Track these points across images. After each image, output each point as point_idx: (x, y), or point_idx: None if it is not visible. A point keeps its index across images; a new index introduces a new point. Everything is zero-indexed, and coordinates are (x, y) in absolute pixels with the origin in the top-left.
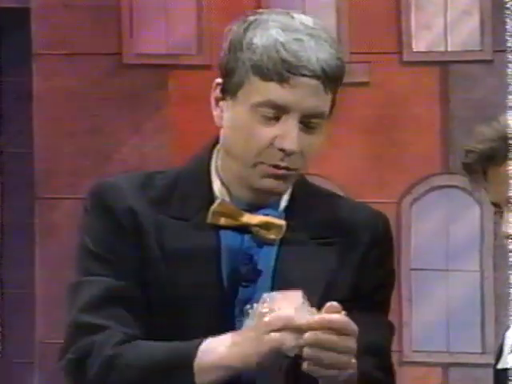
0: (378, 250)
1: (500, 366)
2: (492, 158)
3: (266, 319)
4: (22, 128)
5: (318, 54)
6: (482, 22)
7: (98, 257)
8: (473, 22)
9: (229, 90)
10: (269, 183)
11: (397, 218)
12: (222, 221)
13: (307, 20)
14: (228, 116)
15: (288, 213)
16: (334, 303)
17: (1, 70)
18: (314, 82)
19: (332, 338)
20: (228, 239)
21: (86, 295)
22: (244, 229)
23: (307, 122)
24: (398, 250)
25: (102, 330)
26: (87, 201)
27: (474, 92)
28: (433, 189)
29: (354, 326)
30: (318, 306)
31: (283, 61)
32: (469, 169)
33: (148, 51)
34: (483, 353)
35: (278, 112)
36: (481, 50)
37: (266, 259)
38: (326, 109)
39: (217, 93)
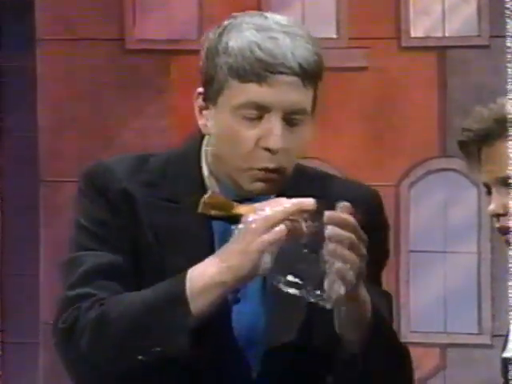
0: (370, 228)
1: (505, 354)
2: (486, 137)
3: (253, 225)
4: (26, 112)
5: (294, 50)
6: (479, 8)
7: (91, 233)
8: (470, 8)
9: (210, 98)
10: (259, 187)
11: (395, 201)
12: (213, 212)
13: (282, 19)
14: (212, 124)
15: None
16: (348, 204)
17: (4, 55)
18: (292, 78)
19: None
20: (219, 224)
21: (78, 270)
22: (235, 218)
23: (290, 120)
24: (397, 232)
25: (89, 298)
26: (80, 181)
27: (471, 76)
28: (430, 172)
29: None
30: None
31: (259, 60)
32: (464, 147)
33: (150, 37)
34: (480, 333)
35: (260, 112)
36: (478, 36)
37: None
38: (308, 105)
39: (200, 102)
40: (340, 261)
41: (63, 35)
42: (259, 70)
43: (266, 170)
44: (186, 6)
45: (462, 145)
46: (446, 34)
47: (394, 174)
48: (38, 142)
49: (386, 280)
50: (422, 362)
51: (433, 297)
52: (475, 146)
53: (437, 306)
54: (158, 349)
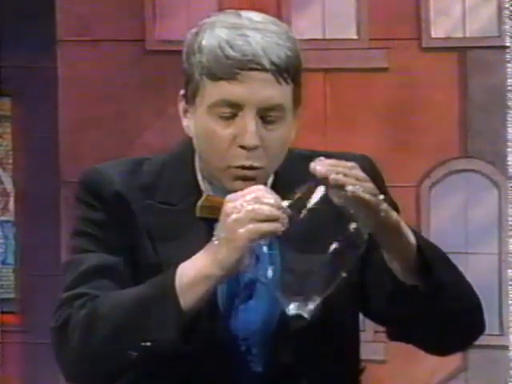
0: None
1: None
2: None
3: (233, 216)
4: (47, 113)
5: (264, 46)
6: (500, 9)
7: (88, 235)
8: (490, 8)
9: (189, 98)
10: (239, 186)
11: (416, 202)
12: (212, 215)
13: (256, 16)
14: (192, 124)
15: (274, 188)
16: (321, 157)
17: (25, 56)
18: (263, 75)
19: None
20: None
21: (75, 271)
22: None
23: (266, 117)
24: None
25: (84, 297)
26: (76, 190)
27: (492, 77)
28: (451, 173)
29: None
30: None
31: (228, 58)
32: None
33: (171, 38)
34: (501, 335)
35: (234, 110)
36: (498, 36)
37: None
38: (284, 100)
39: (183, 104)
40: (349, 186)
41: (84, 36)
42: (229, 67)
43: (243, 167)
44: (206, 7)
45: None
46: (467, 35)
47: (414, 174)
48: (59, 143)
49: None
50: (443, 364)
51: None
52: None
53: None
54: (148, 344)
